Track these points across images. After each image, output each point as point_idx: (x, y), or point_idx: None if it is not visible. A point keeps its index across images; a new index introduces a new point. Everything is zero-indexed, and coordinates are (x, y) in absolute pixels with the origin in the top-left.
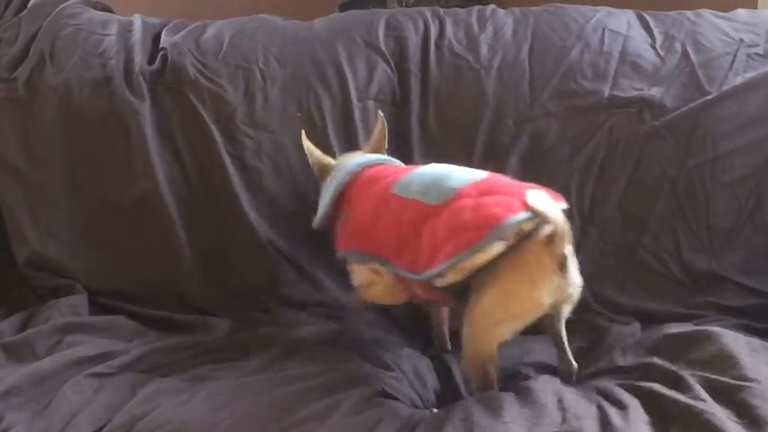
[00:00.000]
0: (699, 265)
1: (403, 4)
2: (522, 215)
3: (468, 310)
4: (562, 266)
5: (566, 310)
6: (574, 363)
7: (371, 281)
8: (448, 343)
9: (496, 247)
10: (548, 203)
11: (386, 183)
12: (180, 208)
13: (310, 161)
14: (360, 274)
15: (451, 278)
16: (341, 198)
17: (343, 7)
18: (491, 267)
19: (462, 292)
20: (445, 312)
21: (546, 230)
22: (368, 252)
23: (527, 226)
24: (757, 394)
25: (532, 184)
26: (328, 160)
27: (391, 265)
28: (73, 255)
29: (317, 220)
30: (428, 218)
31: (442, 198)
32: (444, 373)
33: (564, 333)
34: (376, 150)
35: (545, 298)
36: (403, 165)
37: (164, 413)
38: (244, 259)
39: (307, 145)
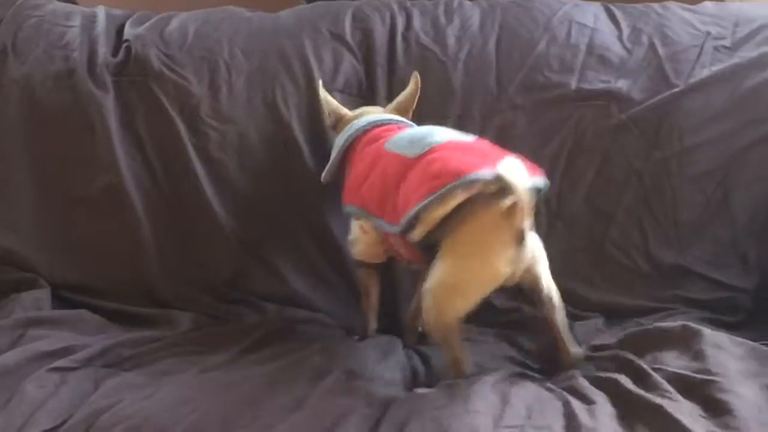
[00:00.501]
0: (666, 258)
1: None
2: (487, 173)
3: (426, 281)
4: (520, 239)
5: (543, 287)
6: (572, 350)
7: (357, 237)
8: None
9: (459, 196)
10: (518, 174)
11: (383, 141)
12: (144, 201)
13: (325, 110)
14: (353, 229)
15: (421, 230)
16: (348, 154)
17: (310, 1)
18: (454, 230)
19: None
20: None
21: (508, 201)
22: (358, 205)
23: (490, 188)
24: (724, 389)
25: (516, 155)
26: (344, 111)
27: (373, 217)
28: (36, 249)
29: (325, 174)
30: (406, 171)
31: (420, 151)
32: (416, 363)
33: (560, 322)
34: (402, 109)
35: (501, 268)
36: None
37: (127, 408)
38: (209, 252)
39: (324, 94)
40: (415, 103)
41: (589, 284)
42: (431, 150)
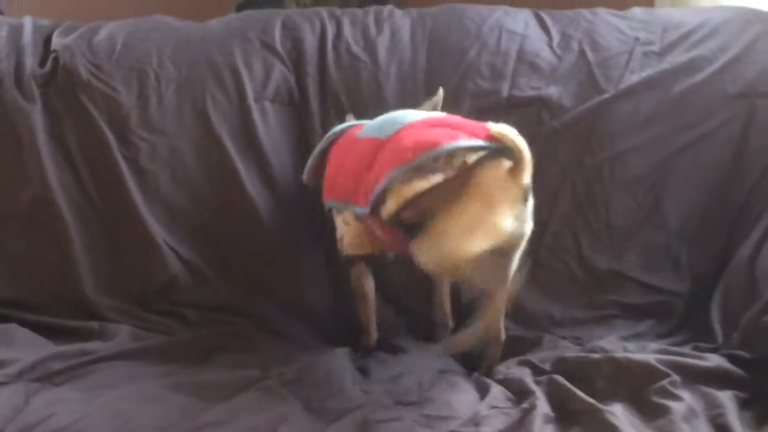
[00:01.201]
0: (600, 264)
1: (301, 5)
2: (464, 142)
3: (422, 233)
4: (526, 196)
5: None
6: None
7: (341, 232)
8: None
9: (435, 178)
10: (513, 133)
11: (357, 131)
12: (74, 212)
13: None
14: (337, 224)
15: (393, 205)
16: (327, 155)
17: (240, 9)
18: (444, 199)
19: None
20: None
21: (515, 158)
22: (336, 198)
23: (470, 158)
24: (658, 390)
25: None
26: None
27: (351, 205)
28: None
29: (304, 175)
30: (378, 151)
31: (391, 131)
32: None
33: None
34: None
35: (508, 223)
36: None
37: (59, 421)
38: (141, 263)
39: None
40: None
41: (524, 294)
42: (403, 128)
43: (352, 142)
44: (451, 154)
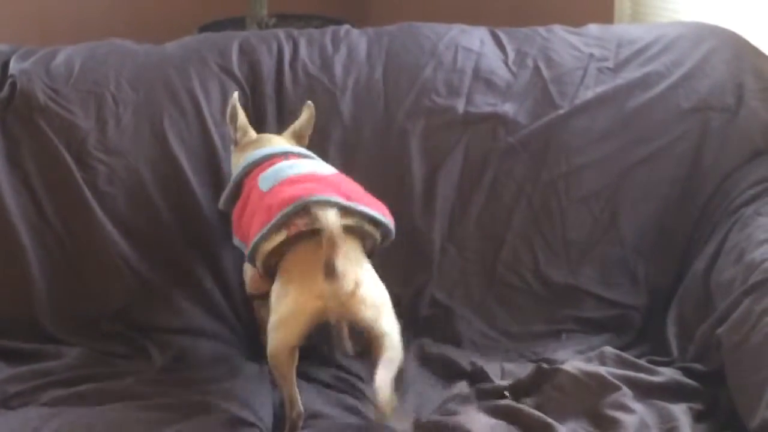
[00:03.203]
0: (557, 278)
1: (263, 26)
2: (290, 207)
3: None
4: (329, 272)
5: (376, 332)
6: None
7: (245, 269)
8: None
9: (278, 237)
10: (328, 208)
11: (260, 173)
12: (32, 235)
13: (235, 124)
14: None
15: (259, 261)
16: (242, 186)
17: (202, 30)
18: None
19: None
20: None
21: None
22: (240, 239)
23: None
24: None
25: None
26: (251, 132)
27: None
28: None
29: (221, 202)
30: (259, 203)
31: (272, 184)
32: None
33: (381, 364)
34: (299, 137)
35: (309, 302)
36: (313, 158)
37: None
38: (99, 284)
39: (238, 108)
40: (310, 130)
41: (482, 309)
42: (282, 182)
43: (252, 186)
44: (307, 208)
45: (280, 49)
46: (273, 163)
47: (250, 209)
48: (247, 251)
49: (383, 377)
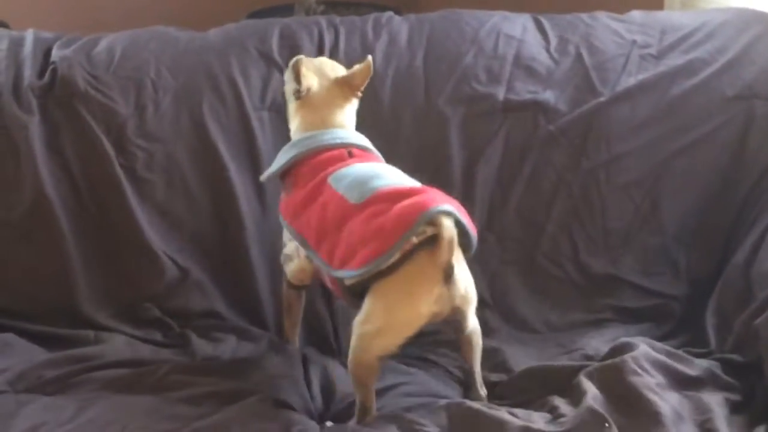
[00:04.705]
0: (596, 268)
1: (311, 13)
2: (415, 226)
3: (355, 320)
4: (448, 276)
5: (467, 327)
6: (481, 393)
7: (291, 256)
8: None
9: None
10: (443, 209)
11: (329, 171)
12: (70, 222)
13: (298, 81)
14: (288, 246)
15: (359, 279)
16: (294, 166)
17: (251, 18)
18: (384, 274)
19: (362, 296)
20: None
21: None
22: (297, 230)
23: (419, 236)
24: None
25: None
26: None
27: (310, 250)
28: None
29: (264, 176)
30: (347, 216)
31: (361, 198)
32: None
33: (475, 361)
34: (354, 87)
35: (424, 308)
36: (371, 150)
37: (51, 430)
38: (137, 271)
39: (304, 69)
40: (365, 83)
41: (521, 299)
42: (374, 197)
43: (321, 185)
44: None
45: (320, 36)
46: (334, 156)
47: (332, 215)
48: (352, 272)
49: (479, 371)
